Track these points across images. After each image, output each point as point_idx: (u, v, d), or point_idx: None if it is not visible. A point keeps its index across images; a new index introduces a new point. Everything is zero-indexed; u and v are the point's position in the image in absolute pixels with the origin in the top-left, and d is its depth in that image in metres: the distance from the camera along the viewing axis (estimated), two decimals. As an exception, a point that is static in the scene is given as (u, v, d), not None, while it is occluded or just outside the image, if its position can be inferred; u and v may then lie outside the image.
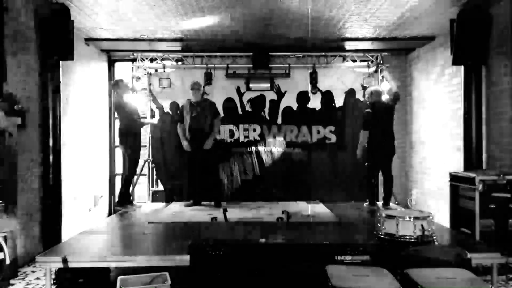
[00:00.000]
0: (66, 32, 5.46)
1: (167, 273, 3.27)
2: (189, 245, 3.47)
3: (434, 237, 3.47)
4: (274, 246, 3.73)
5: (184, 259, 3.55)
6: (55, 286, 3.94)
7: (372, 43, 7.45)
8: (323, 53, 7.83)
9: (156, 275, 3.26)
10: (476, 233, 4.56)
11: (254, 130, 7.89)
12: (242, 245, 3.58)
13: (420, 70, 7.70)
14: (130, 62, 7.99)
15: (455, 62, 5.73)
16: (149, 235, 4.76)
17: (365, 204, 6.46)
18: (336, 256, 3.37)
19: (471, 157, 5.66)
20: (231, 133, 7.89)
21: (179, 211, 6.29)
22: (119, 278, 3.24)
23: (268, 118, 7.91)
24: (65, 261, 3.76)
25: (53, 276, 3.82)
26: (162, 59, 7.88)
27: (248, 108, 7.93)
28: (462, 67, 5.88)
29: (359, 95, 7.93)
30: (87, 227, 5.65)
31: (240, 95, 7.90)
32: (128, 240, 4.68)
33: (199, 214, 6.00)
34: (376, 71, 7.86)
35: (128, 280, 3.23)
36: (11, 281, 4.36)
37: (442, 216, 6.38)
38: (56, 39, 5.34)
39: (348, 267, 3.07)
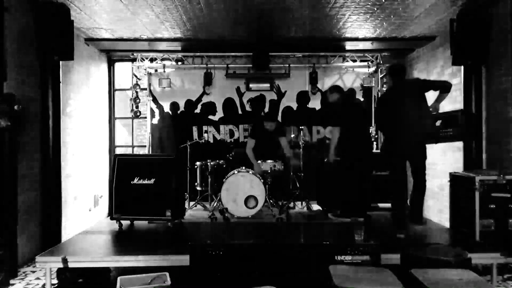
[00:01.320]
0: (66, 32, 5.46)
1: (167, 273, 3.27)
2: (189, 245, 3.47)
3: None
4: (275, 246, 3.73)
5: (184, 259, 3.55)
6: (55, 286, 3.95)
7: (372, 43, 7.45)
8: (323, 53, 7.84)
9: (156, 275, 3.26)
10: (476, 233, 4.56)
11: (254, 130, 7.89)
12: (242, 245, 3.58)
13: (420, 70, 7.70)
14: (130, 62, 7.99)
15: (455, 62, 5.73)
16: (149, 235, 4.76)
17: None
18: (336, 256, 3.37)
19: (471, 157, 5.66)
20: (231, 133, 7.90)
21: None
22: (119, 278, 3.24)
23: (268, 118, 7.90)
24: (65, 261, 3.76)
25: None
26: (162, 59, 7.89)
27: (248, 108, 7.93)
28: (462, 67, 5.88)
29: (359, 95, 7.94)
30: (87, 227, 5.66)
31: (240, 95, 7.91)
32: (128, 240, 4.68)
33: (199, 214, 6.00)
34: (376, 71, 7.87)
35: (128, 280, 3.22)
36: (11, 281, 4.36)
37: (443, 216, 6.39)
38: (56, 39, 5.33)
39: (351, 267, 3.07)
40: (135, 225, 5.28)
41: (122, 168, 5.32)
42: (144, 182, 5.24)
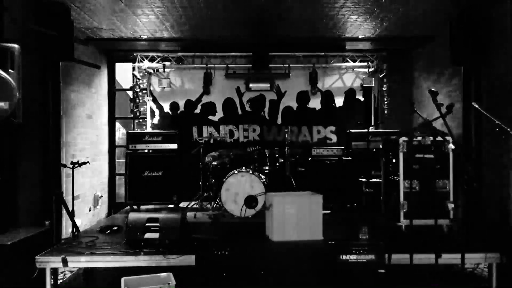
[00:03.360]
0: (66, 32, 5.45)
1: (171, 274, 3.26)
2: (195, 244, 3.47)
3: None
4: (278, 245, 3.74)
5: (187, 259, 3.55)
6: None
7: (372, 43, 7.46)
8: (323, 53, 7.85)
9: (161, 275, 3.25)
10: (400, 193, 4.47)
11: (254, 131, 7.89)
12: (246, 244, 3.59)
13: (420, 70, 7.70)
14: (130, 62, 7.98)
15: (455, 62, 5.74)
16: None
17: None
18: (341, 256, 3.37)
19: (471, 157, 5.67)
20: (231, 133, 7.90)
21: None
22: (123, 279, 3.23)
23: (268, 118, 7.91)
24: (65, 261, 3.76)
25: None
26: (162, 59, 7.89)
27: (248, 108, 7.93)
28: (462, 67, 5.89)
29: (359, 95, 7.95)
30: (87, 226, 5.66)
31: (240, 95, 7.91)
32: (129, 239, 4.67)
33: (199, 214, 6.00)
34: (376, 71, 7.88)
35: (132, 281, 3.22)
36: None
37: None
38: (56, 39, 5.33)
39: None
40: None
41: (134, 163, 6.56)
42: (153, 174, 6.48)
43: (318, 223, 4.09)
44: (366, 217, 5.76)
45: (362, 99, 7.97)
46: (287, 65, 7.83)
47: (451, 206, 4.40)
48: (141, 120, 8.10)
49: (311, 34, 6.98)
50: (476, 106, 4.11)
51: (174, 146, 6.61)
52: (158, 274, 3.26)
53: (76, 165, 5.38)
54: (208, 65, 7.83)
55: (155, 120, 7.93)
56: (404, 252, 3.73)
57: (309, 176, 6.69)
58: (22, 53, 5.04)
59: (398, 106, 8.15)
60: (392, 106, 7.86)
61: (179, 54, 7.86)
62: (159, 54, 7.82)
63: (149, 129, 7.89)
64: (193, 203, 6.56)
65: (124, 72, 8.69)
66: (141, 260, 3.74)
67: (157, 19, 6.14)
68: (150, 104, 7.95)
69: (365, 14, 5.96)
